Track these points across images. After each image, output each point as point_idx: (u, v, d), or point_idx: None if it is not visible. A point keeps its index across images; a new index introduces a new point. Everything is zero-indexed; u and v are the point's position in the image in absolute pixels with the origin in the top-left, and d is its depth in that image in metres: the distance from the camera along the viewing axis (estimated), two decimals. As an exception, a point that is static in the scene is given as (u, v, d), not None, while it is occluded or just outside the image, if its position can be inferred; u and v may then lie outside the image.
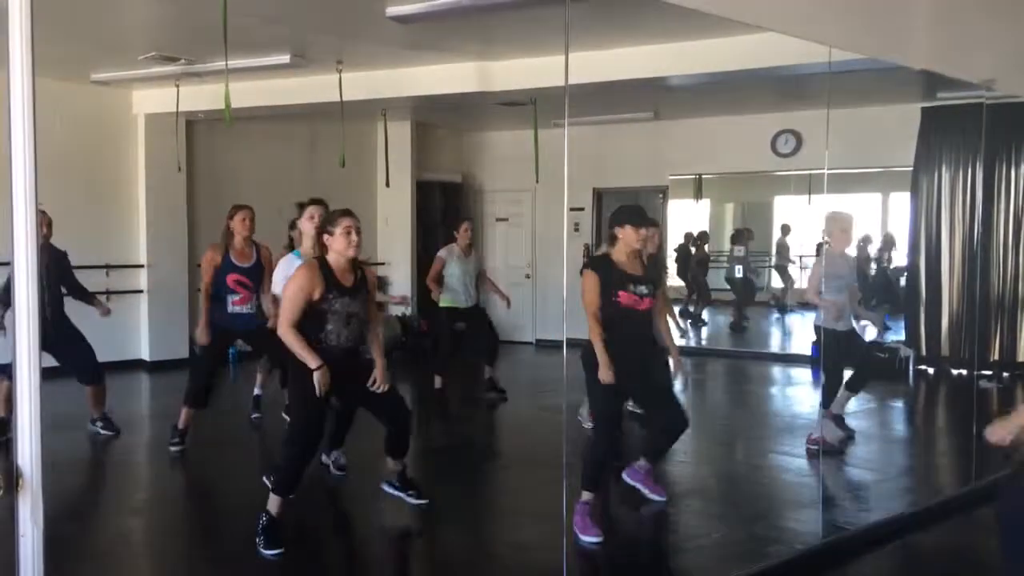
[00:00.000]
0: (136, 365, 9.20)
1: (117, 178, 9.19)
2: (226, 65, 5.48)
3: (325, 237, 4.08)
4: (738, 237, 11.23)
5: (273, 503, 4.08)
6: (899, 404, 8.55)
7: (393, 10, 5.63)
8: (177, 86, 8.25)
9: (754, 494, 5.28)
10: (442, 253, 7.74)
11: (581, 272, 4.54)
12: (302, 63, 7.26)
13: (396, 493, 4.69)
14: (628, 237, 4.35)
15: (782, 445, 6.57)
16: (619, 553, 4.28)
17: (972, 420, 5.55)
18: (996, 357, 8.83)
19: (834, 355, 5.85)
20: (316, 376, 3.96)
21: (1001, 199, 8.83)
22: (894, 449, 6.70)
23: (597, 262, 4.47)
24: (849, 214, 6.12)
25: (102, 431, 6.32)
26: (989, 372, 8.67)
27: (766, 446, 6.59)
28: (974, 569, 4.21)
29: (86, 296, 6.16)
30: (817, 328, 6.02)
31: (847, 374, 6.04)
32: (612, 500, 4.95)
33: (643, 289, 4.36)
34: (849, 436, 6.23)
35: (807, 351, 9.91)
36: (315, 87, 7.93)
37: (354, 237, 4.04)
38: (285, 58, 7.09)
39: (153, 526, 4.75)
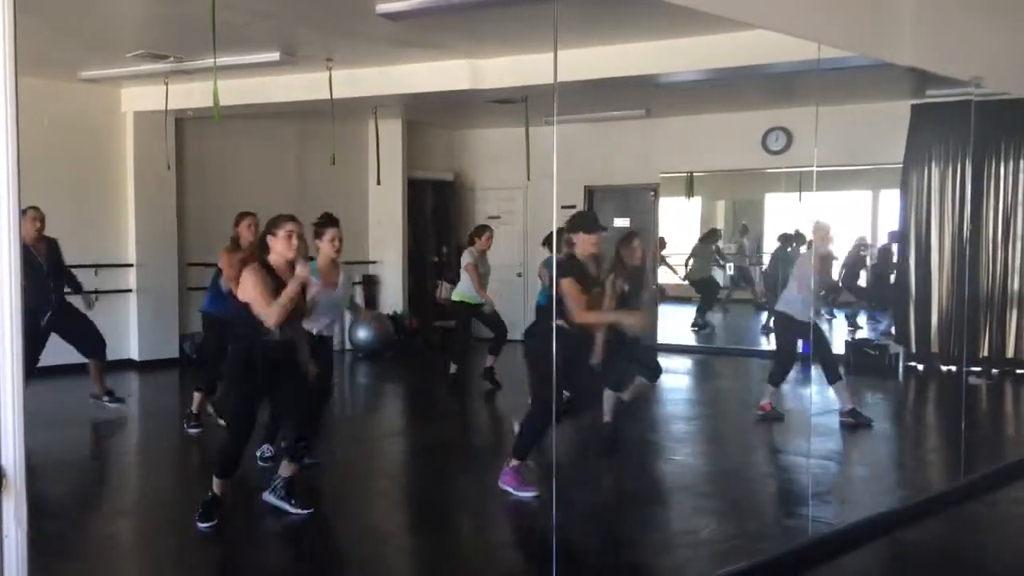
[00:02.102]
0: (125, 365, 9.16)
1: (106, 177, 9.15)
2: (215, 62, 5.46)
3: (269, 239, 4.38)
4: (708, 238, 11.35)
5: (216, 484, 4.38)
6: (889, 400, 8.57)
7: (383, 7, 5.62)
8: (166, 84, 8.21)
9: (742, 491, 5.29)
10: (468, 258, 8.14)
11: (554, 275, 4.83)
12: (292, 60, 7.24)
13: (278, 503, 4.55)
14: (584, 244, 4.79)
15: (770, 442, 6.59)
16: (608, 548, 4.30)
17: (961, 416, 5.58)
18: (985, 353, 8.87)
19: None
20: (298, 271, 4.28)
21: (990, 196, 8.87)
22: (883, 445, 6.72)
23: (573, 268, 4.75)
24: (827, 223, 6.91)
25: (109, 404, 6.73)
26: (978, 368, 8.71)
27: (754, 443, 6.61)
28: (963, 565, 4.23)
29: (74, 283, 6.70)
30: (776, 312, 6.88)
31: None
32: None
33: (597, 289, 4.91)
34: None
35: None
36: (305, 85, 7.90)
37: (295, 241, 4.35)
38: (275, 55, 7.06)
39: (142, 526, 4.74)
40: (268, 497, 4.58)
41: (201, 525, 4.30)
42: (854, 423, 6.58)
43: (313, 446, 4.88)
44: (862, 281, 10.39)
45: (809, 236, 6.73)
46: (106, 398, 6.74)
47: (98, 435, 6.69)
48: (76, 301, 6.67)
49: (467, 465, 5.87)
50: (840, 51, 4.59)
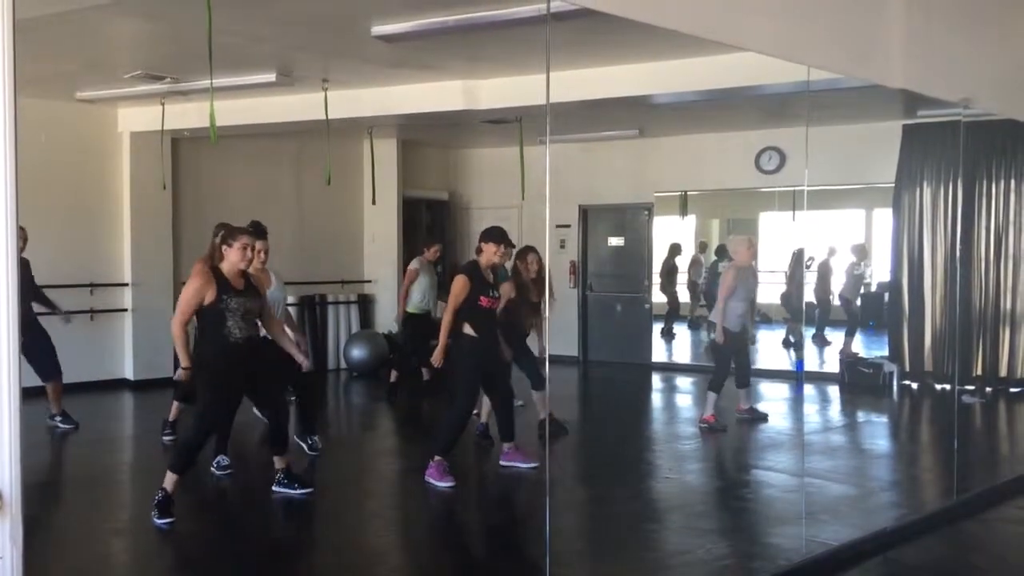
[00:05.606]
0: (120, 384, 9.14)
1: (102, 196, 9.16)
2: (211, 83, 5.47)
3: (224, 248, 4.70)
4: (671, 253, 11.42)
5: (169, 480, 4.62)
6: (883, 419, 8.59)
7: (379, 29, 5.67)
8: (162, 104, 8.24)
9: (737, 510, 5.29)
10: (415, 265, 8.55)
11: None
12: (288, 81, 7.28)
13: (284, 491, 5.11)
14: (488, 253, 5.51)
15: (764, 461, 6.59)
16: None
17: (954, 435, 5.59)
18: (979, 372, 8.89)
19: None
20: (178, 373, 4.64)
21: (982, 214, 8.92)
22: (877, 464, 6.73)
23: (469, 269, 5.53)
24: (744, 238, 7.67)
25: (61, 425, 6.89)
26: (972, 387, 8.73)
27: (748, 461, 6.61)
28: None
29: (49, 304, 6.91)
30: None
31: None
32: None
33: (494, 293, 5.57)
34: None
35: (782, 366, 10.01)
36: (301, 105, 7.94)
37: (248, 254, 4.68)
38: (271, 76, 7.10)
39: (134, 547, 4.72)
40: (276, 488, 5.11)
41: (159, 521, 4.57)
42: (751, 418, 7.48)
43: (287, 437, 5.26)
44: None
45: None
46: (59, 419, 6.89)
47: (87, 455, 6.65)
48: (54, 320, 6.82)
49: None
50: (830, 73, 4.64)
